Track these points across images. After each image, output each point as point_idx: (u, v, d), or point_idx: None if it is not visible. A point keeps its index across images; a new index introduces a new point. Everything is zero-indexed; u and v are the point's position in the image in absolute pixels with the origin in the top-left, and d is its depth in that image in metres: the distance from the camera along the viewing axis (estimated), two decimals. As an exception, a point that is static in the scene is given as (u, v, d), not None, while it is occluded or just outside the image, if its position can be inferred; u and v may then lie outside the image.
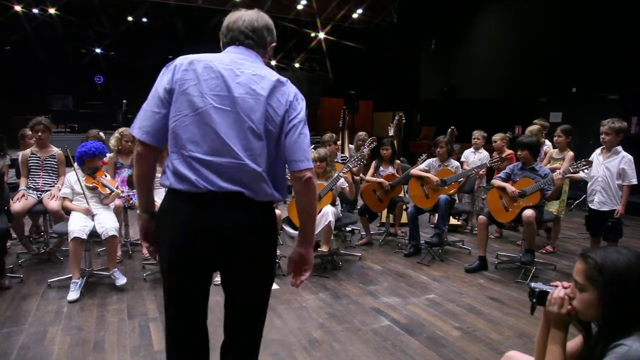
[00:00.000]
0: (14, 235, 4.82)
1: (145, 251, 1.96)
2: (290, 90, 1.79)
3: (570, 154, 5.13)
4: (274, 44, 1.95)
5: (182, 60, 1.74)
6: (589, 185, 4.45)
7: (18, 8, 11.47)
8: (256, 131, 1.70)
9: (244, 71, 1.74)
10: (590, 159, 4.36)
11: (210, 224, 1.68)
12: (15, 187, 4.83)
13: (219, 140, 1.67)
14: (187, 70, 1.71)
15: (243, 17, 1.86)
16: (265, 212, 1.79)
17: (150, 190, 1.88)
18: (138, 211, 1.90)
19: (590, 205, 4.43)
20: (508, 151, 5.89)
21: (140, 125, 1.73)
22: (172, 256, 1.76)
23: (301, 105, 1.81)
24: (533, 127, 5.73)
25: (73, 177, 4.26)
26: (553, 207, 5.17)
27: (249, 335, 1.92)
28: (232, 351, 1.92)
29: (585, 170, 4.34)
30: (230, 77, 1.71)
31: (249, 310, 1.91)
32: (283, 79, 1.80)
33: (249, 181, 1.70)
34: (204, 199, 1.66)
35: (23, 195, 4.60)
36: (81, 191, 4.21)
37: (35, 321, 3.40)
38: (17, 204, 4.49)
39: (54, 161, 4.86)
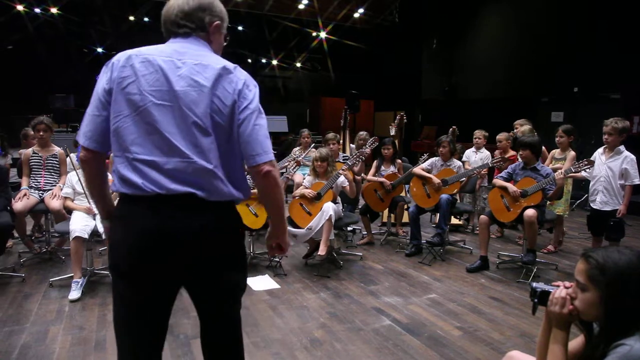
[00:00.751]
0: (16, 235, 4.84)
1: None
2: (239, 77, 1.64)
3: (572, 153, 5.11)
4: (217, 22, 1.74)
5: (120, 56, 1.62)
6: (591, 185, 4.44)
7: (20, 7, 11.48)
8: (202, 126, 1.57)
9: (186, 61, 1.61)
10: (592, 158, 4.36)
11: (162, 228, 1.55)
12: (17, 187, 4.84)
13: (163, 140, 1.56)
14: (125, 67, 1.59)
15: (174, 4, 1.71)
16: (224, 213, 1.67)
17: (104, 195, 1.76)
18: (100, 218, 1.79)
19: (592, 205, 4.42)
20: (511, 152, 5.87)
21: (84, 131, 1.63)
22: (125, 265, 1.61)
23: (253, 92, 1.65)
24: (524, 128, 5.72)
25: (74, 177, 4.27)
26: (559, 208, 5.16)
27: (231, 351, 1.82)
28: None
29: (587, 170, 4.34)
30: (171, 70, 1.59)
31: (223, 318, 1.79)
32: (230, 65, 1.65)
33: (200, 180, 1.57)
34: (153, 202, 1.55)
35: (25, 195, 4.61)
36: (82, 191, 4.21)
37: (37, 320, 3.41)
38: (19, 203, 4.50)
39: (56, 160, 4.87)
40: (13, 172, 5.47)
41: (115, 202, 1.71)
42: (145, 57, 1.60)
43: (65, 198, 4.29)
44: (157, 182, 1.54)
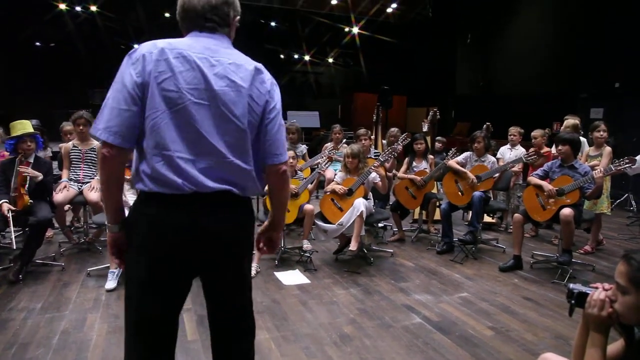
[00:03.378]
0: (57, 225, 5.02)
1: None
2: (267, 77, 1.70)
3: (608, 149, 4.95)
4: (237, 17, 1.74)
5: (150, 48, 1.55)
6: None
7: (62, 6, 11.86)
8: (240, 126, 1.60)
9: (219, 60, 1.60)
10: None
11: (198, 226, 1.56)
12: (57, 179, 5.01)
13: (202, 139, 1.55)
14: (159, 61, 1.53)
15: None
16: (249, 208, 1.73)
17: (120, 197, 1.66)
18: (107, 223, 1.67)
19: None
20: (546, 148, 5.73)
21: (107, 126, 1.50)
22: (154, 266, 1.58)
23: (278, 92, 1.73)
24: (569, 122, 5.53)
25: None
26: (603, 206, 4.98)
27: (246, 338, 1.84)
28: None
29: (629, 168, 4.18)
30: (207, 68, 1.57)
31: (239, 304, 1.81)
32: (259, 65, 1.69)
33: (237, 179, 1.62)
34: (189, 200, 1.54)
35: (65, 187, 4.77)
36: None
37: (76, 308, 3.53)
38: (59, 195, 4.66)
39: (94, 154, 5.00)
40: (53, 164, 5.67)
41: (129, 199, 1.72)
42: (179, 51, 1.56)
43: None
44: (196, 181, 1.54)
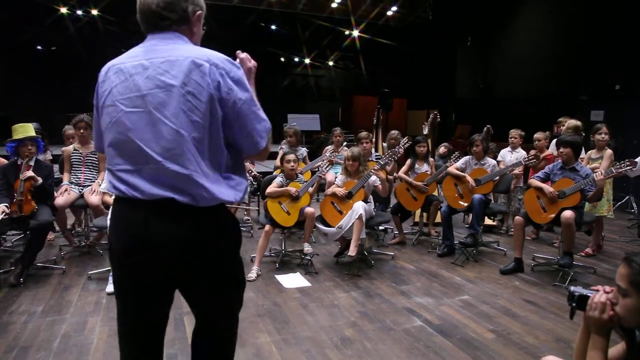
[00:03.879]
0: (57, 228, 5.02)
1: None
2: (215, 65, 1.51)
3: (609, 152, 4.95)
4: (199, 11, 1.65)
5: (102, 70, 1.64)
6: None
7: (64, 10, 11.89)
8: (172, 127, 1.48)
9: (153, 61, 1.53)
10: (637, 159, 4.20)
11: (148, 233, 1.53)
12: (58, 182, 5.02)
13: (135, 147, 1.52)
14: (104, 82, 1.60)
15: None
16: (210, 218, 1.58)
17: None
18: None
19: None
20: (547, 151, 5.73)
21: (97, 147, 1.77)
22: (118, 269, 1.70)
23: (237, 77, 1.54)
24: (571, 123, 5.51)
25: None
26: (603, 209, 4.98)
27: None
28: None
29: (630, 170, 4.18)
30: (139, 74, 1.53)
31: (211, 327, 1.79)
32: (202, 56, 1.52)
33: (178, 185, 1.50)
34: (140, 206, 1.53)
35: (66, 190, 4.77)
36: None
37: (76, 311, 3.53)
38: (60, 198, 4.66)
39: (95, 157, 5.01)
40: (53, 167, 5.67)
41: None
42: (118, 67, 1.58)
43: (104, 194, 4.41)
44: (137, 188, 1.52)
